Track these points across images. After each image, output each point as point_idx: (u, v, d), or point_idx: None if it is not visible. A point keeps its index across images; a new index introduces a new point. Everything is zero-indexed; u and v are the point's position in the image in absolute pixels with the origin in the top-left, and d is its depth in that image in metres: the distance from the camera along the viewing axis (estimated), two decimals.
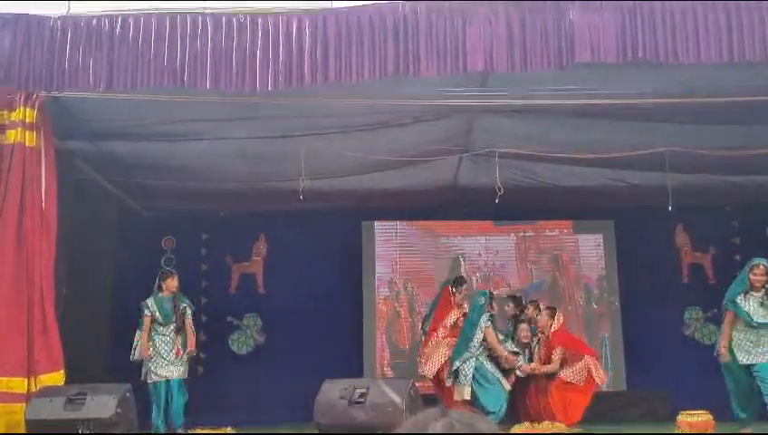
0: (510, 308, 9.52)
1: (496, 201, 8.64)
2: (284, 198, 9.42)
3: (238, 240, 11.77)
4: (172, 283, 8.58)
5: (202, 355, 11.54)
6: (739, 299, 7.67)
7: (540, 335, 9.01)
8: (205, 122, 8.23)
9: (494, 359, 8.56)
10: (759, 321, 7.54)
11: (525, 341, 8.99)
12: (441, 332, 9.01)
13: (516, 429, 7.13)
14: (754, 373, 7.53)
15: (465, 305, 9.10)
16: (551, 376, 8.67)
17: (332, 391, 6.88)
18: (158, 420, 8.22)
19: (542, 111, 8.09)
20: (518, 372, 8.61)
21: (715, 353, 7.88)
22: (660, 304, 11.14)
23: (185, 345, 8.39)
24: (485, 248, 11.88)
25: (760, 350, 7.53)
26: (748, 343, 7.60)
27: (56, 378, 6.98)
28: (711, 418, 6.83)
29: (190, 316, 8.59)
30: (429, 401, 7.84)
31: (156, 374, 8.27)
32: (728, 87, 7.39)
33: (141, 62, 6.89)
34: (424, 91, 7.51)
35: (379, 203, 11.25)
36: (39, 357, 6.94)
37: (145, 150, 8.88)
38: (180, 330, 8.40)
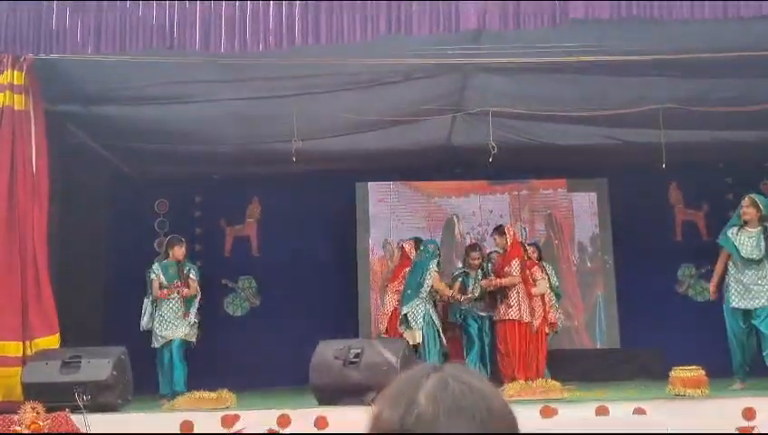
0: (476, 257, 9.63)
1: (490, 160, 8.63)
2: (278, 160, 9.37)
3: (232, 203, 11.74)
4: (179, 250, 8.65)
5: (197, 319, 11.58)
6: (730, 233, 7.59)
7: (493, 257, 9.42)
8: (195, 84, 8.16)
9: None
10: (746, 256, 7.41)
11: (476, 262, 9.46)
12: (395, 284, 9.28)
13: (510, 389, 7.16)
14: (753, 321, 7.42)
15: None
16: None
17: (327, 352, 6.91)
18: (165, 389, 8.29)
19: (536, 69, 8.03)
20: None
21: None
22: (654, 261, 11.16)
23: (190, 308, 8.53)
24: (479, 208, 11.87)
25: (753, 294, 7.41)
26: (739, 285, 7.47)
27: (51, 341, 7.00)
28: (703, 373, 6.86)
29: (196, 279, 8.70)
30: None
31: (161, 336, 8.38)
32: (721, 43, 7.35)
33: (129, 24, 6.81)
34: (417, 50, 7.45)
35: (372, 164, 11.21)
36: (33, 321, 6.96)
37: (136, 114, 8.82)
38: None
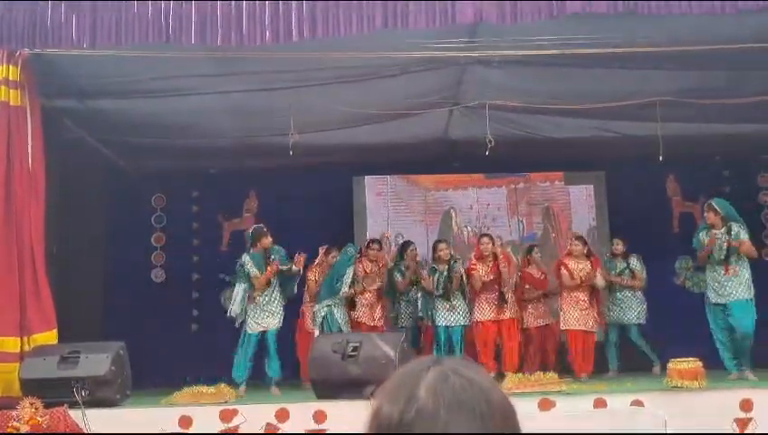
0: (442, 249, 9.70)
1: (487, 154, 8.63)
2: (275, 153, 9.36)
3: (229, 197, 11.74)
4: (266, 240, 8.72)
5: (195, 313, 11.60)
6: (701, 235, 8.35)
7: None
8: (192, 78, 8.14)
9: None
10: (716, 256, 8.17)
11: (445, 257, 9.49)
12: None
13: (509, 381, 7.18)
14: (727, 316, 8.09)
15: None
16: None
17: (325, 346, 6.92)
18: (241, 370, 8.37)
19: (533, 63, 8.03)
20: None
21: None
22: (651, 253, 11.16)
23: (285, 293, 8.74)
24: (477, 201, 11.88)
25: (726, 290, 8.08)
26: (715, 283, 8.21)
27: (49, 337, 7.00)
28: (701, 365, 6.88)
29: (282, 263, 8.78)
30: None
31: (256, 323, 8.48)
32: (717, 36, 7.34)
33: (125, 18, 6.80)
34: (414, 43, 7.44)
35: (369, 158, 11.20)
36: (31, 316, 6.95)
37: (132, 108, 8.80)
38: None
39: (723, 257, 8.13)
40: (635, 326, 9.78)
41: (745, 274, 8.11)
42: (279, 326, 8.59)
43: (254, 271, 8.55)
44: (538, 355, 9.68)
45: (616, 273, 9.83)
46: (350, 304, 9.39)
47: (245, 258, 8.67)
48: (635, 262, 9.88)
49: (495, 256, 9.40)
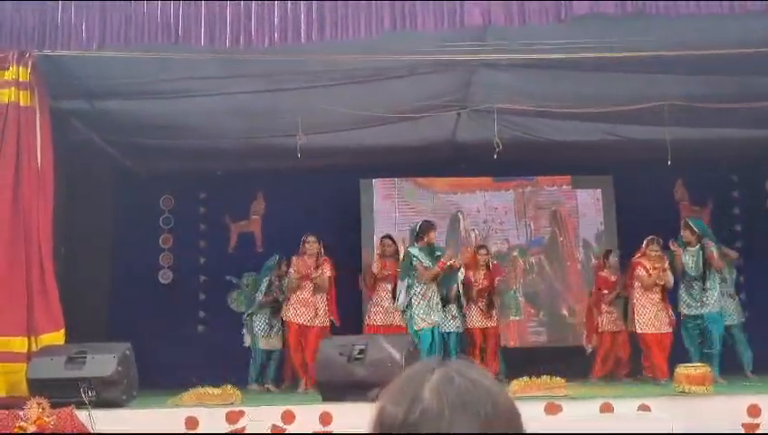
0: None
1: (495, 157, 8.62)
2: (282, 155, 9.38)
3: (236, 199, 11.75)
4: (434, 235, 8.91)
5: (202, 314, 11.61)
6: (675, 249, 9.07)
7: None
8: (200, 80, 8.16)
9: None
10: (690, 273, 8.93)
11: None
12: None
13: (514, 385, 7.16)
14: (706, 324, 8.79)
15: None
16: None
17: (332, 348, 6.92)
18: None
19: (541, 66, 8.01)
20: None
21: None
22: None
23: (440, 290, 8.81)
24: (484, 204, 11.86)
25: (700, 303, 8.85)
26: (688, 296, 8.97)
27: (56, 337, 7.00)
28: (709, 370, 6.87)
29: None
30: None
31: (424, 320, 8.50)
32: (728, 39, 7.32)
33: (134, 19, 6.81)
34: (422, 46, 7.44)
35: (377, 160, 11.19)
36: (38, 317, 6.96)
37: (141, 109, 8.82)
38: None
39: (698, 274, 8.90)
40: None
41: (717, 288, 8.94)
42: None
43: (426, 262, 8.60)
44: (610, 361, 9.69)
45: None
46: (276, 308, 9.47)
47: (413, 251, 8.71)
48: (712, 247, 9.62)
49: (488, 266, 9.88)
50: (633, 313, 9.18)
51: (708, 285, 8.84)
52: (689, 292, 8.97)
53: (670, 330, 9.01)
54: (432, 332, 8.52)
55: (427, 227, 8.94)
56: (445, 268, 8.69)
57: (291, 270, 9.14)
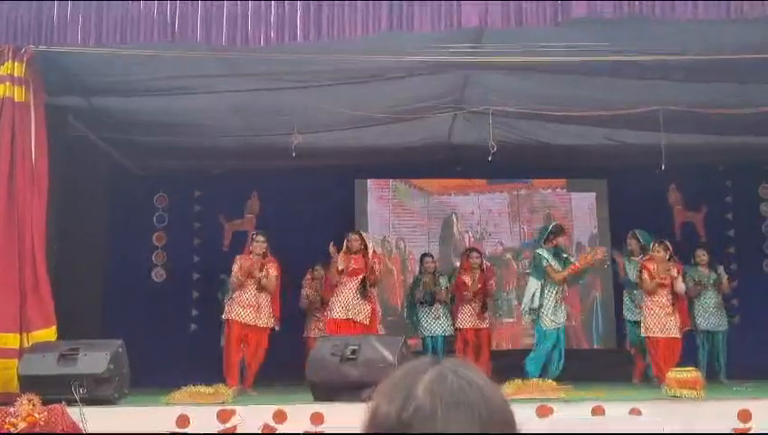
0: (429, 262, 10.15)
1: (490, 159, 8.62)
2: (277, 155, 9.36)
3: (231, 198, 11.74)
4: (562, 240, 8.99)
5: (195, 312, 11.59)
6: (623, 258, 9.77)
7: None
8: (196, 78, 8.16)
9: None
10: (633, 280, 9.35)
11: (429, 270, 9.99)
12: None
13: (508, 387, 7.16)
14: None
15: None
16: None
17: (324, 348, 6.91)
18: (536, 365, 8.51)
19: (537, 69, 8.03)
20: None
21: None
22: None
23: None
24: (478, 207, 11.87)
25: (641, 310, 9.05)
26: (631, 302, 9.66)
27: (48, 334, 6.99)
28: (700, 375, 6.88)
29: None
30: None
31: (553, 321, 8.62)
32: (724, 44, 7.33)
33: (131, 16, 6.80)
34: (418, 47, 7.44)
35: (372, 161, 11.20)
36: (31, 313, 6.95)
37: (137, 106, 8.81)
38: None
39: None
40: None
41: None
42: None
43: (555, 264, 8.68)
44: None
45: (705, 282, 9.81)
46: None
47: (543, 253, 8.77)
48: (722, 271, 9.94)
49: (482, 269, 9.93)
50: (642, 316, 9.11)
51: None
52: (631, 298, 9.53)
53: (679, 336, 8.85)
54: (557, 332, 8.66)
55: (559, 230, 9.04)
56: (576, 272, 8.78)
57: (234, 268, 8.81)
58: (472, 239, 11.69)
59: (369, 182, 11.86)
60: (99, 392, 6.39)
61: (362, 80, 8.38)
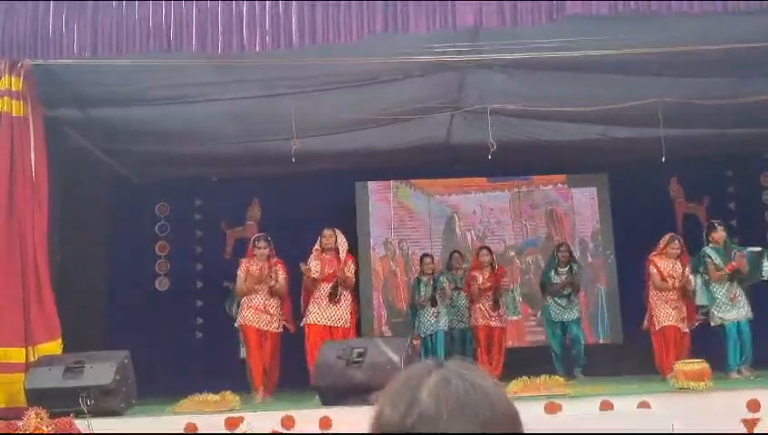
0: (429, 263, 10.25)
1: (489, 157, 8.61)
2: (277, 160, 9.36)
3: (232, 205, 11.73)
4: (720, 235, 8.88)
5: (199, 320, 11.59)
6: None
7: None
8: (193, 85, 8.15)
9: None
10: None
11: (428, 271, 10.15)
12: None
13: (514, 385, 7.15)
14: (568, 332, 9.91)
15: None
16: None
17: (330, 352, 6.90)
18: (735, 359, 8.48)
19: (534, 66, 8.02)
20: None
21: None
22: None
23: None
24: (480, 205, 11.87)
25: (566, 311, 9.94)
26: (557, 306, 10.05)
27: (54, 347, 6.98)
28: (707, 366, 6.86)
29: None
30: None
31: (721, 318, 8.60)
32: (720, 39, 7.32)
33: (126, 26, 6.80)
34: (414, 48, 7.44)
35: (372, 163, 11.20)
36: (35, 327, 6.94)
37: (134, 116, 8.80)
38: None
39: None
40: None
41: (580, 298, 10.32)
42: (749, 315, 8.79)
43: (717, 261, 8.70)
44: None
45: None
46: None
47: (708, 251, 8.80)
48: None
49: (492, 266, 10.01)
50: (650, 312, 9.02)
51: (573, 296, 10.01)
52: (557, 301, 10.01)
53: (687, 330, 8.85)
54: (738, 325, 8.60)
55: (714, 227, 8.96)
56: (733, 270, 8.70)
57: (239, 273, 8.65)
58: (474, 238, 11.68)
59: (370, 184, 11.86)
60: (106, 404, 6.39)
61: (359, 83, 8.38)
